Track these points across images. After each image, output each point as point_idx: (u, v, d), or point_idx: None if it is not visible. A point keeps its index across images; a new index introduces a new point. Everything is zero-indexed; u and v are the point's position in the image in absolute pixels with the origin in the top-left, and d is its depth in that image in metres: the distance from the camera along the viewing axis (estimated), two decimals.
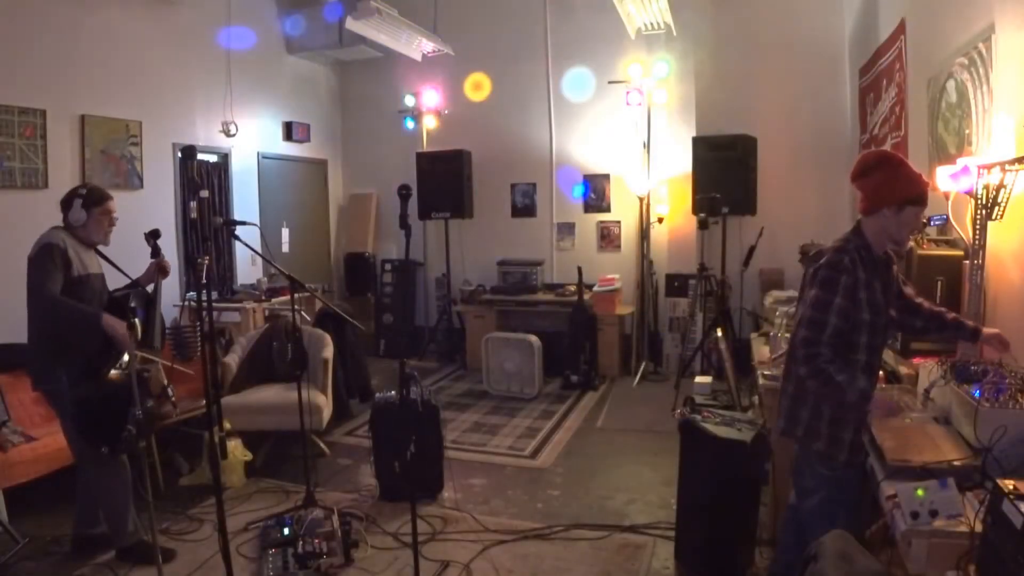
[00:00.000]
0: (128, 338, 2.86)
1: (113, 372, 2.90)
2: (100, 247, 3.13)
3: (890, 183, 2.09)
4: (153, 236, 3.10)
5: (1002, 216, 2.45)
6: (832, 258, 2.09)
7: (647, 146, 6.46)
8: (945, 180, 2.81)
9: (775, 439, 2.57)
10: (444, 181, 6.98)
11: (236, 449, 3.95)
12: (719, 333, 5.49)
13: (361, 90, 7.81)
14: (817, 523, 2.18)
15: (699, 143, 6.13)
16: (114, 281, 3.19)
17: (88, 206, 2.97)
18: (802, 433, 2.20)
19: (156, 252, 3.11)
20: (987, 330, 2.25)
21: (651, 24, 6.17)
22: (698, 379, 4.88)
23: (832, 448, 2.14)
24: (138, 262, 3.21)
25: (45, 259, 2.84)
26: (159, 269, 3.13)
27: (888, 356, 2.85)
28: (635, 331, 6.59)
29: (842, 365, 2.06)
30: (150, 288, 3.20)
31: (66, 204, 2.99)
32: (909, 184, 2.09)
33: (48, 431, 3.63)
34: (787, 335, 3.39)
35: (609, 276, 6.46)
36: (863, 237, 2.15)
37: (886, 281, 2.20)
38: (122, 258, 3.20)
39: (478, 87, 7.23)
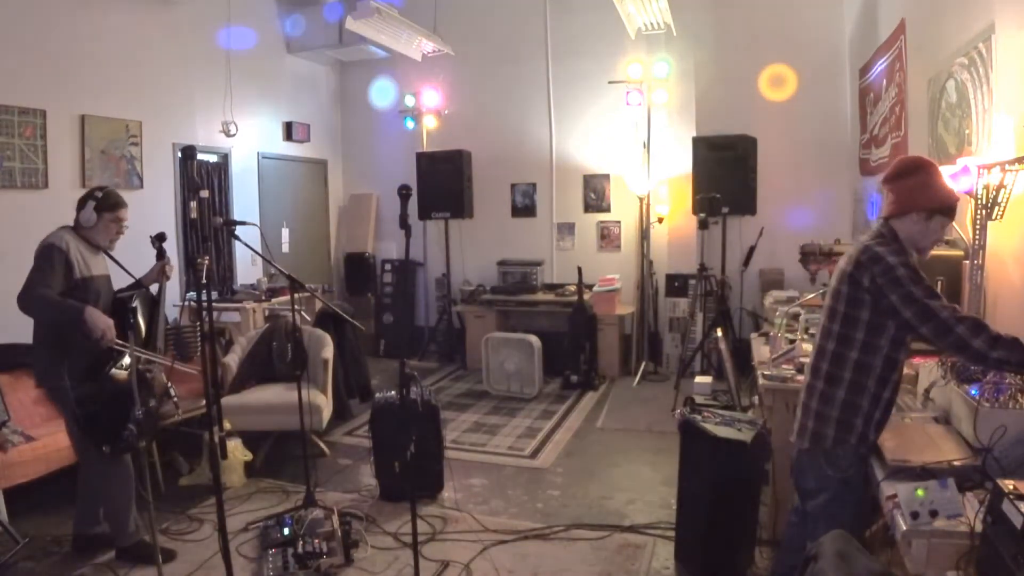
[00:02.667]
0: (108, 334, 2.85)
1: (117, 372, 2.91)
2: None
3: (924, 189, 2.06)
4: (159, 239, 3.13)
5: (1002, 216, 2.45)
6: (901, 259, 2.01)
7: (647, 146, 6.46)
8: (945, 180, 2.81)
9: (796, 442, 2.48)
10: (444, 181, 6.98)
11: (236, 449, 3.95)
12: (719, 333, 5.48)
13: (361, 90, 7.81)
14: (821, 524, 2.17)
15: (699, 143, 6.13)
16: (119, 281, 3.20)
17: (100, 210, 2.98)
18: (856, 440, 2.11)
19: (161, 255, 3.14)
20: None
21: (651, 24, 6.17)
22: (698, 379, 4.88)
23: (850, 437, 2.09)
24: (139, 262, 3.21)
25: (43, 260, 2.85)
26: (162, 272, 3.14)
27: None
28: (635, 331, 6.60)
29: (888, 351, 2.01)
30: (154, 289, 3.21)
31: (80, 203, 3.00)
32: (941, 193, 2.07)
33: (48, 431, 3.63)
34: (787, 335, 3.40)
35: (609, 276, 6.46)
36: (899, 239, 2.09)
37: None
38: (122, 258, 3.21)
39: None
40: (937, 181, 2.09)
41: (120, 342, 2.91)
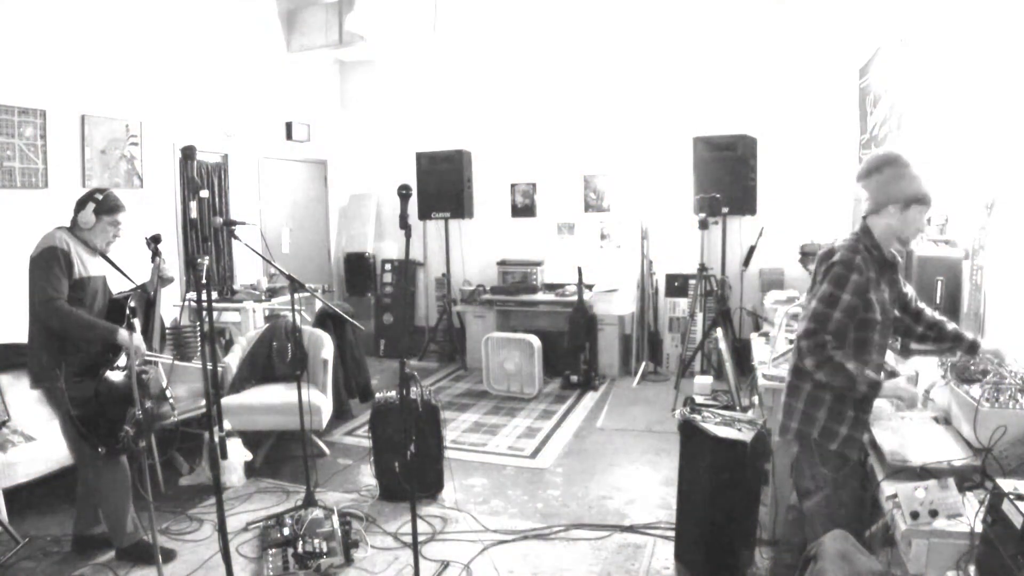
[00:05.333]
0: (143, 350, 2.94)
1: (111, 373, 2.91)
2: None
3: (896, 182, 2.11)
4: (154, 240, 3.13)
5: (1002, 216, 2.45)
6: (845, 256, 2.10)
7: (647, 146, 6.46)
8: (916, 170, 2.81)
9: (780, 440, 2.55)
10: (444, 181, 6.98)
11: (236, 449, 3.95)
12: (719, 333, 5.48)
13: (361, 90, 7.81)
14: (818, 522, 2.19)
15: (699, 143, 6.13)
16: (117, 284, 3.20)
17: (99, 212, 2.99)
18: (818, 434, 2.18)
19: (156, 255, 3.13)
20: (985, 346, 2.25)
21: (650, 22, 6.17)
22: (698, 379, 4.88)
23: (834, 443, 2.14)
24: (138, 263, 3.21)
25: (50, 265, 2.84)
26: (158, 273, 3.15)
27: (888, 356, 2.85)
28: (635, 331, 6.60)
29: (850, 354, 2.08)
30: (152, 292, 3.22)
31: (80, 204, 3.00)
32: (914, 183, 2.11)
33: (48, 431, 3.62)
34: (789, 335, 3.40)
35: (609, 277, 6.46)
36: (871, 236, 2.16)
37: (892, 281, 2.23)
38: (121, 258, 3.21)
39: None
40: (909, 172, 2.14)
41: (152, 353, 2.95)
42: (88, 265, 2.99)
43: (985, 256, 2.54)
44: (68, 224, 3.02)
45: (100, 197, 3.01)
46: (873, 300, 2.10)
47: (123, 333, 2.90)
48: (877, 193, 2.15)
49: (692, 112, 6.37)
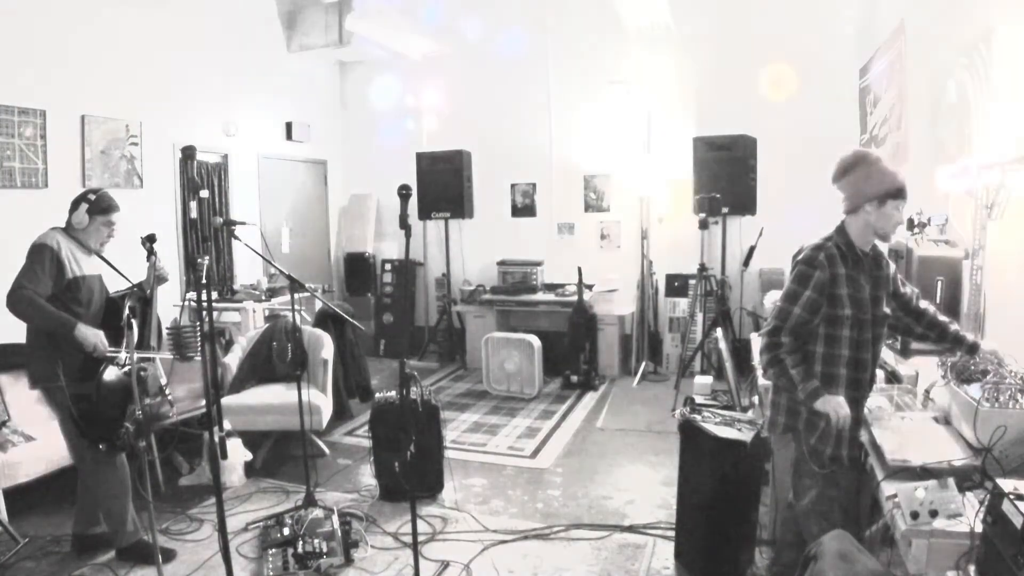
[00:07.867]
0: (101, 347, 2.88)
1: (110, 371, 2.91)
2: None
3: (869, 179, 2.15)
4: (149, 240, 3.13)
5: (1002, 216, 2.45)
6: (808, 254, 2.18)
7: (647, 146, 6.46)
8: (945, 180, 2.81)
9: (774, 438, 2.60)
10: (444, 181, 6.99)
11: (236, 449, 3.95)
12: (719, 333, 5.48)
13: (361, 90, 7.81)
14: (812, 521, 2.20)
15: (699, 143, 6.13)
16: (113, 284, 3.20)
17: (93, 212, 2.99)
18: (803, 427, 2.25)
19: (151, 254, 3.14)
20: (985, 346, 2.26)
21: (651, 23, 6.17)
22: (698, 379, 4.88)
23: (814, 436, 2.22)
24: (136, 263, 3.21)
25: (34, 260, 2.85)
26: (156, 276, 3.15)
27: (888, 356, 2.85)
28: (635, 331, 6.60)
29: (800, 359, 2.16)
30: (149, 290, 3.22)
31: (74, 205, 3.01)
32: (887, 179, 2.15)
33: (48, 431, 3.62)
34: None
35: (609, 276, 6.46)
36: (846, 235, 2.22)
37: (876, 278, 2.24)
38: (120, 258, 3.21)
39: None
40: (880, 168, 2.18)
41: (114, 349, 2.92)
42: (83, 264, 2.99)
43: (985, 256, 2.54)
44: (63, 224, 3.02)
45: (93, 197, 3.01)
46: (842, 296, 2.15)
47: (81, 329, 2.85)
48: (852, 193, 2.19)
49: (692, 112, 6.37)
